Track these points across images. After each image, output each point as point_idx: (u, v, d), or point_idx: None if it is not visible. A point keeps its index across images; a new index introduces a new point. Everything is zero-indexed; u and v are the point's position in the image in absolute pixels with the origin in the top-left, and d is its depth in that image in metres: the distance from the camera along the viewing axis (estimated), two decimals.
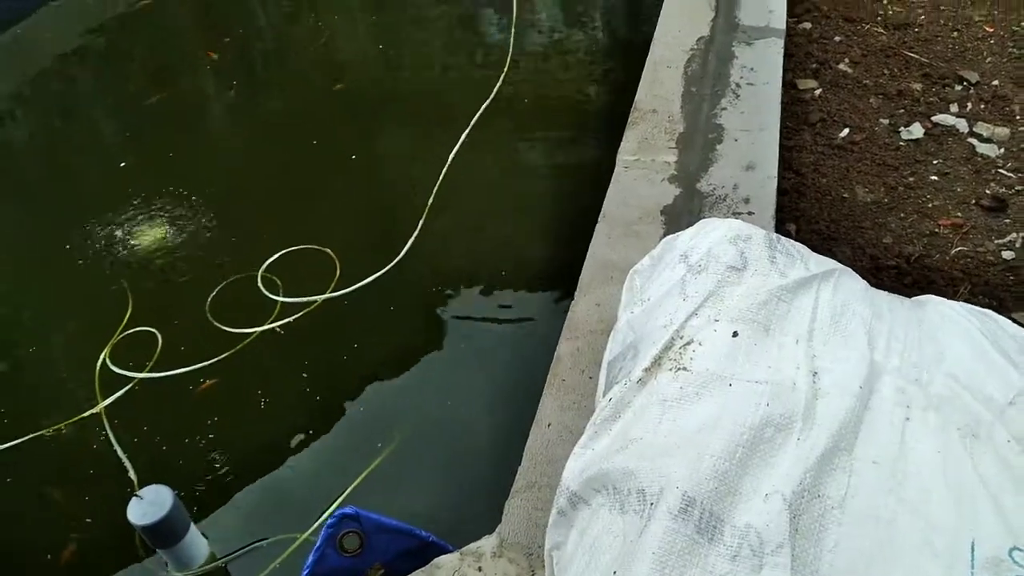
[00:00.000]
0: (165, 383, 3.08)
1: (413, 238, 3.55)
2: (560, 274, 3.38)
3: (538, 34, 5.04)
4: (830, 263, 1.62)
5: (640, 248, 2.03)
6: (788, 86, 3.57)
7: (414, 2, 5.65)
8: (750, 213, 2.08)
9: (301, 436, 2.87)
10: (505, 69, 4.54)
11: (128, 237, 3.75)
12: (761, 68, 2.58)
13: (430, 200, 3.75)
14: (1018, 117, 3.57)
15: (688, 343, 1.39)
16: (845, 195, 3.47)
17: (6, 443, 2.93)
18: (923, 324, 1.51)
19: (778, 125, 2.37)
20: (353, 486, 2.59)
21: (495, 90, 4.36)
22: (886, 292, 1.70)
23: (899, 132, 3.68)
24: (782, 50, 2.68)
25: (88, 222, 3.86)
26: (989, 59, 3.84)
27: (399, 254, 3.48)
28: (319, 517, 2.53)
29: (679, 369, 1.36)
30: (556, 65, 4.70)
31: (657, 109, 2.48)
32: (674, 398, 1.34)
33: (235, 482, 2.75)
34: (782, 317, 1.43)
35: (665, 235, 2.15)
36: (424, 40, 5.18)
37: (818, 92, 3.82)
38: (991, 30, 3.97)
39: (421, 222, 3.63)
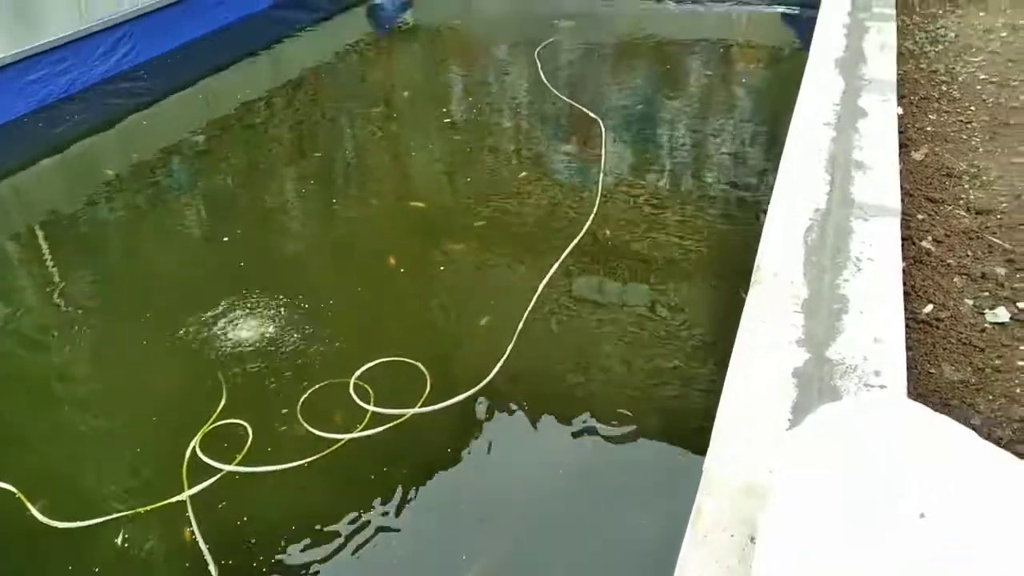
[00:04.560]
0: (251, 477, 3.10)
1: (502, 360, 3.62)
2: (650, 417, 3.43)
3: (627, 177, 5.29)
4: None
5: (774, 411, 2.08)
6: None
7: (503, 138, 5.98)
8: (883, 386, 2.14)
9: (383, 547, 2.85)
10: (594, 210, 4.75)
11: (230, 333, 3.87)
12: (880, 244, 2.71)
13: (519, 326, 3.84)
14: None
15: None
16: (932, 371, 3.52)
17: (91, 520, 2.93)
18: None
19: (901, 301, 2.47)
20: None
21: (585, 228, 4.55)
22: None
23: (984, 314, 3.76)
24: (899, 229, 2.82)
25: (191, 315, 4.00)
26: None
27: (488, 375, 3.55)
28: None
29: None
30: (645, 207, 4.91)
31: (780, 272, 2.60)
32: None
33: None
34: None
35: (797, 399, 2.20)
36: (517, 175, 5.45)
37: (902, 266, 3.95)
38: None
39: (511, 347, 3.71)
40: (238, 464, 3.16)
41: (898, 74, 5.89)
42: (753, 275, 2.61)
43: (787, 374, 2.22)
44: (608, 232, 4.63)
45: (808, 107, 3.66)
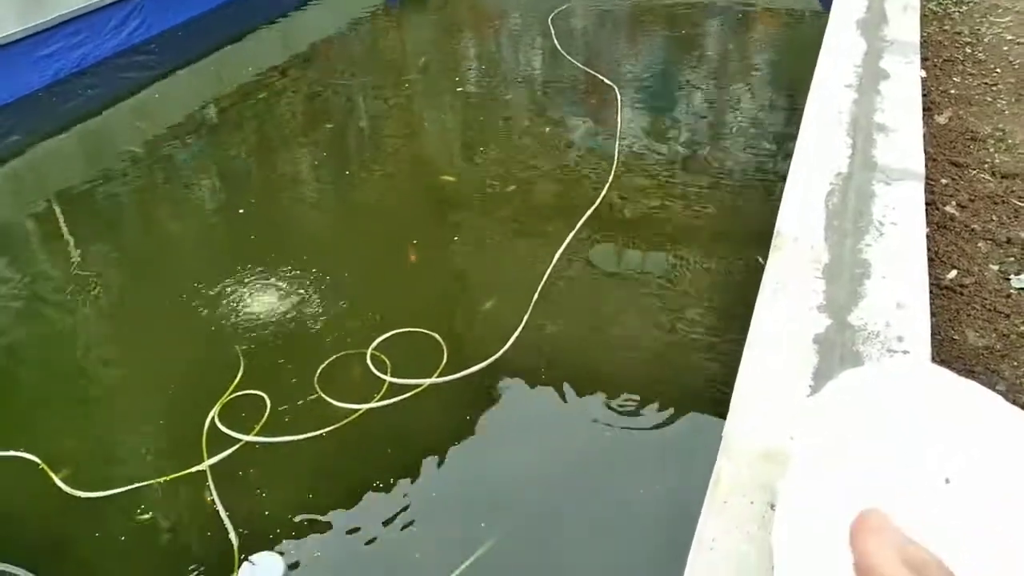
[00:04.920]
0: (269, 448, 3.12)
1: (519, 331, 3.61)
2: (672, 385, 3.41)
3: (644, 144, 5.22)
4: None
5: (794, 373, 2.05)
6: None
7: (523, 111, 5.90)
8: (906, 352, 2.10)
9: (402, 517, 2.87)
10: (611, 178, 4.70)
11: (246, 304, 3.87)
12: (903, 208, 2.65)
13: (535, 296, 3.82)
14: None
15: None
16: (955, 337, 3.47)
17: (112, 490, 2.97)
18: None
19: (926, 266, 2.41)
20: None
21: (601, 197, 4.50)
22: None
23: (1010, 279, 3.70)
24: (923, 193, 2.76)
25: (207, 288, 4.01)
26: None
27: (505, 345, 3.53)
28: None
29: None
30: (659, 176, 4.85)
31: (801, 237, 2.55)
32: None
33: (327, 556, 2.74)
34: None
35: (817, 365, 2.17)
36: (531, 145, 5.39)
37: (926, 231, 3.88)
38: None
39: (527, 316, 3.69)
40: (256, 434, 3.17)
41: (921, 36, 5.75)
42: (773, 240, 2.56)
43: (808, 340, 2.18)
44: (625, 200, 4.58)
45: (828, 70, 3.58)
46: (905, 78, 3.54)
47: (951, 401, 1.64)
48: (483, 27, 7.63)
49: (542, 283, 3.91)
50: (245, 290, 3.98)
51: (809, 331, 2.20)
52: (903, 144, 2.95)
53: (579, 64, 6.25)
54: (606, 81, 5.90)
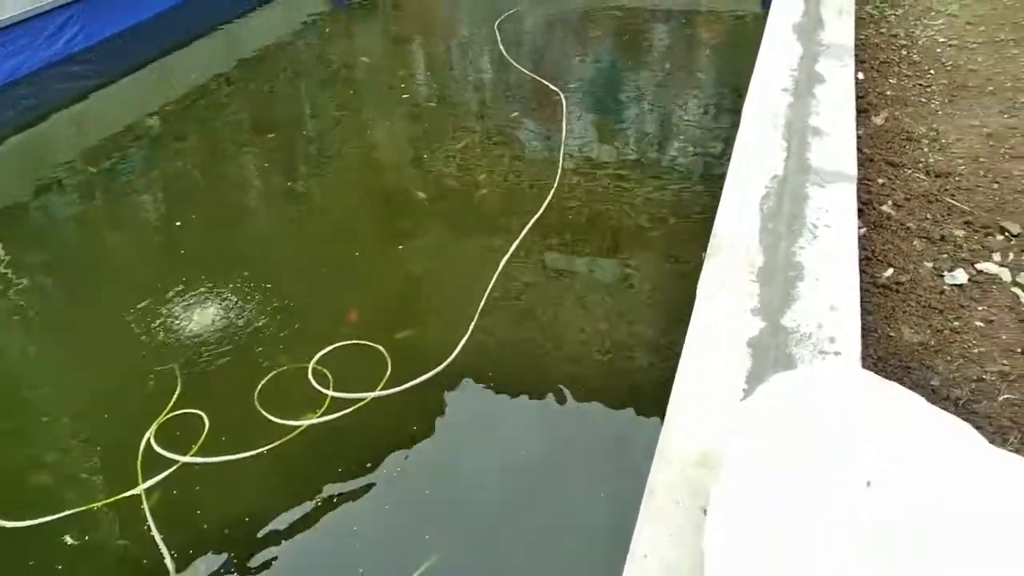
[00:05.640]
0: (208, 468, 3.03)
1: (464, 340, 3.58)
2: (614, 390, 3.40)
3: (589, 151, 5.23)
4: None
5: (729, 381, 2.06)
6: None
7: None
8: (837, 353, 2.12)
9: (346, 534, 2.81)
10: (555, 184, 4.69)
11: (184, 320, 3.77)
12: (836, 210, 2.69)
13: (481, 303, 3.79)
14: None
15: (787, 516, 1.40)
16: (892, 334, 3.53)
17: (41, 518, 2.86)
18: None
19: (857, 268, 2.45)
20: None
21: (546, 202, 4.49)
22: None
23: (943, 276, 3.77)
24: (855, 194, 2.80)
25: (144, 303, 3.90)
26: None
27: (450, 355, 3.50)
28: None
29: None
30: (606, 179, 4.86)
31: (736, 242, 2.57)
32: None
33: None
34: None
35: (751, 369, 2.18)
36: (478, 153, 5.37)
37: (862, 231, 3.95)
38: None
39: (472, 324, 3.66)
40: (194, 455, 3.09)
41: (859, 39, 5.88)
42: (709, 244, 2.58)
43: (742, 343, 2.20)
44: (570, 205, 4.58)
45: (766, 74, 3.62)
46: (839, 81, 3.60)
47: (876, 405, 1.66)
48: (431, 33, 7.59)
49: (488, 290, 3.88)
50: (184, 305, 3.88)
51: (744, 334, 2.21)
52: (836, 147, 3.00)
53: (525, 70, 6.25)
54: (551, 87, 5.90)
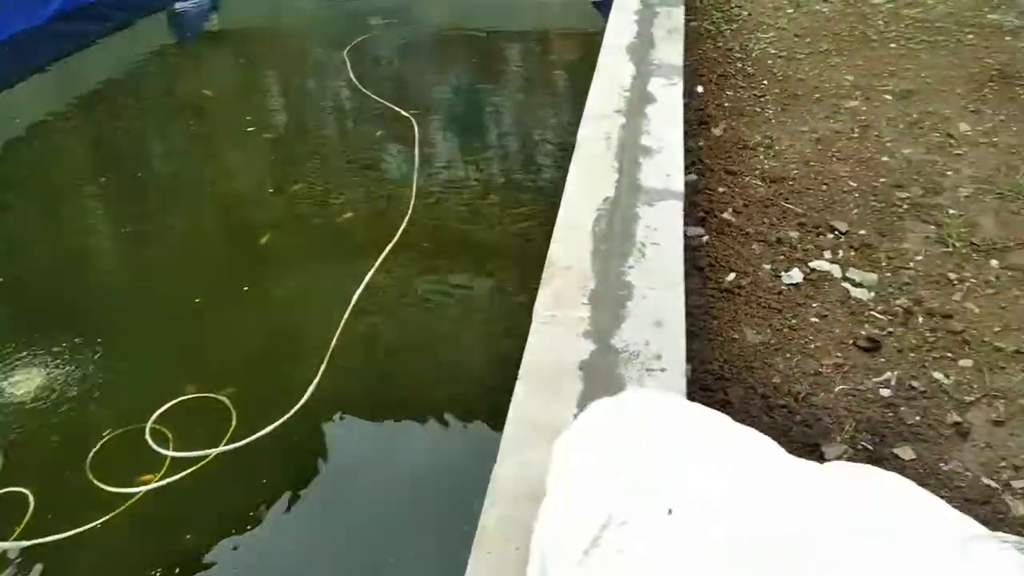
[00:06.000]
0: (32, 552, 2.77)
1: (314, 384, 3.44)
2: (472, 423, 3.36)
3: (441, 174, 5.20)
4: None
5: (562, 406, 2.05)
6: None
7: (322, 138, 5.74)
8: (663, 370, 2.15)
9: None
10: (410, 210, 4.63)
11: (5, 388, 3.46)
12: (663, 228, 2.75)
13: (333, 342, 3.67)
14: (883, 264, 3.92)
15: (623, 523, 1.40)
16: (735, 336, 3.65)
17: None
18: None
19: (683, 283, 2.51)
20: None
21: (400, 230, 4.42)
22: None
23: (781, 277, 3.95)
24: (682, 211, 2.88)
25: None
26: (855, 210, 4.23)
27: (300, 401, 3.35)
28: None
29: (618, 551, 1.36)
30: (461, 206, 4.84)
31: (570, 266, 2.58)
32: None
33: None
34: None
35: (583, 392, 2.19)
36: (326, 177, 5.24)
37: (705, 239, 4.09)
38: (855, 184, 4.42)
39: (323, 366, 3.53)
40: (16, 539, 2.81)
41: (697, 53, 6.13)
42: (544, 270, 2.58)
43: (574, 367, 2.20)
44: (425, 230, 4.53)
45: (599, 95, 3.70)
46: (669, 100, 3.72)
47: (688, 430, 1.68)
48: (280, 62, 7.39)
49: (342, 324, 3.76)
50: (4, 371, 3.55)
51: (575, 359, 2.22)
52: (666, 165, 3.08)
53: (375, 97, 6.17)
54: (403, 113, 5.85)
